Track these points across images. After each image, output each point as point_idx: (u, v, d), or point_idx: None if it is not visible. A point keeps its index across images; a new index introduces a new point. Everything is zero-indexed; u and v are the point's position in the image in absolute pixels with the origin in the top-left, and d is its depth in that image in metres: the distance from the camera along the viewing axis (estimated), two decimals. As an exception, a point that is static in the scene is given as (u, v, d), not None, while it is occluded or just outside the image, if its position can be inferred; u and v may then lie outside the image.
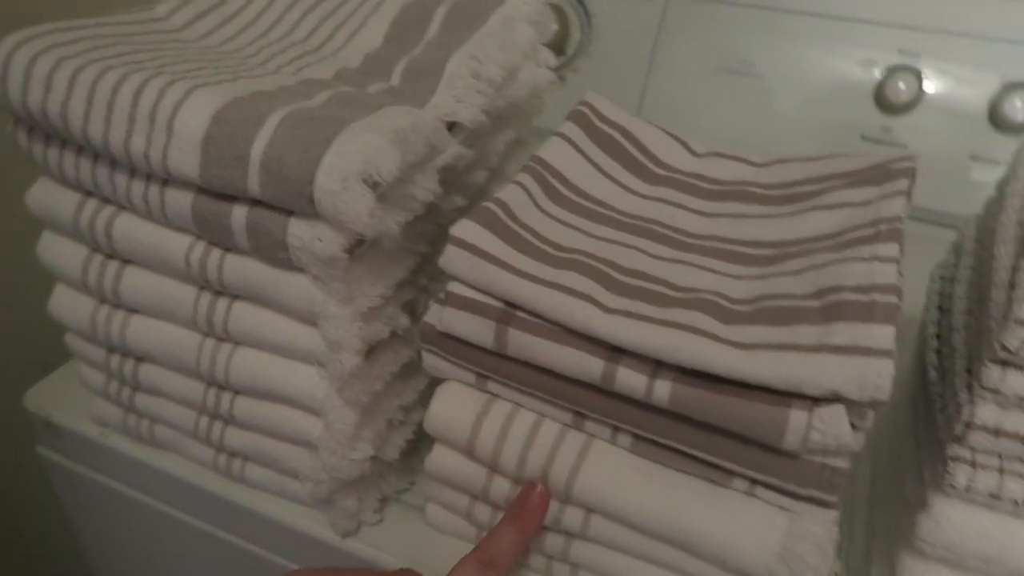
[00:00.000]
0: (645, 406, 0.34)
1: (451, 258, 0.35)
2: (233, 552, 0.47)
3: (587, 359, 0.33)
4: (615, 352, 0.33)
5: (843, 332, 0.30)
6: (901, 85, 0.71)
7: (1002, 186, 0.38)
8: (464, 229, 0.35)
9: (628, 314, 0.33)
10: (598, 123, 0.44)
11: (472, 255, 0.35)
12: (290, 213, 0.34)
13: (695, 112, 0.77)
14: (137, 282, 0.40)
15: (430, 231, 0.41)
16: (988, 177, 0.70)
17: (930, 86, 0.70)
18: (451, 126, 0.40)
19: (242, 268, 0.37)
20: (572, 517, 0.37)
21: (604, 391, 0.34)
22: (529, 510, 0.37)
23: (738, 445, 0.33)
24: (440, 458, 0.39)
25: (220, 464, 0.45)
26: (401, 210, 0.36)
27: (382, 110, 0.36)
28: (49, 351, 0.61)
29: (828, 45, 0.75)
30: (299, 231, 0.34)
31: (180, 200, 0.36)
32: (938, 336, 0.38)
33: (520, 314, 0.35)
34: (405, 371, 0.42)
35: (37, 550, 0.66)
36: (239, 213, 0.35)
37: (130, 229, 0.39)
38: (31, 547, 0.65)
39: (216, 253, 0.37)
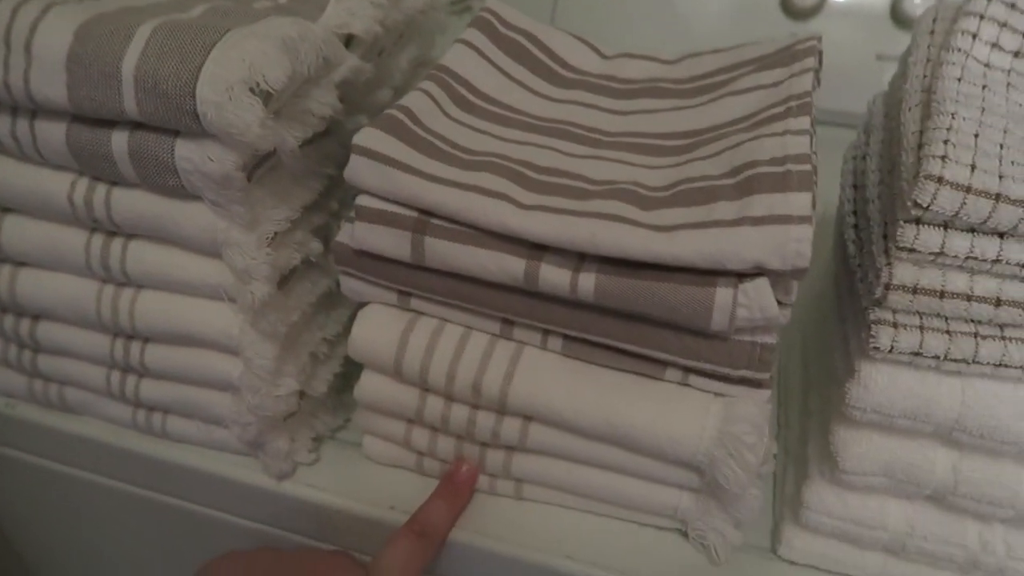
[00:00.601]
0: (572, 304, 0.33)
1: (356, 168, 0.33)
2: (167, 512, 0.45)
3: (508, 260, 0.32)
4: (536, 250, 0.32)
5: (760, 203, 0.30)
6: (806, -11, 0.71)
7: (904, 58, 0.38)
8: (367, 137, 0.33)
9: (545, 208, 0.32)
10: (502, 29, 0.42)
11: (378, 163, 0.33)
12: (175, 133, 0.32)
13: (604, 27, 0.76)
14: (19, 231, 0.37)
15: (335, 152, 0.39)
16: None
17: (834, -11, 0.71)
18: (348, 41, 0.38)
19: (132, 202, 0.34)
20: (509, 429, 0.37)
21: (529, 293, 0.33)
22: (457, 485, 0.38)
23: (667, 334, 0.33)
24: (369, 384, 0.38)
25: (139, 421, 0.42)
26: (299, 124, 0.34)
27: (266, 19, 0.33)
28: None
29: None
30: (187, 152, 0.32)
31: (52, 132, 0.33)
32: (854, 212, 0.38)
33: (435, 221, 0.33)
34: (326, 302, 0.40)
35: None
36: (119, 139, 0.32)
37: (3, 173, 0.36)
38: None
39: (102, 189, 0.34)
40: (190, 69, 0.30)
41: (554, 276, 0.32)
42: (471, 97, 0.39)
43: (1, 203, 0.37)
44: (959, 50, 0.34)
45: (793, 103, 0.35)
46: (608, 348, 0.34)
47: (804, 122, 0.33)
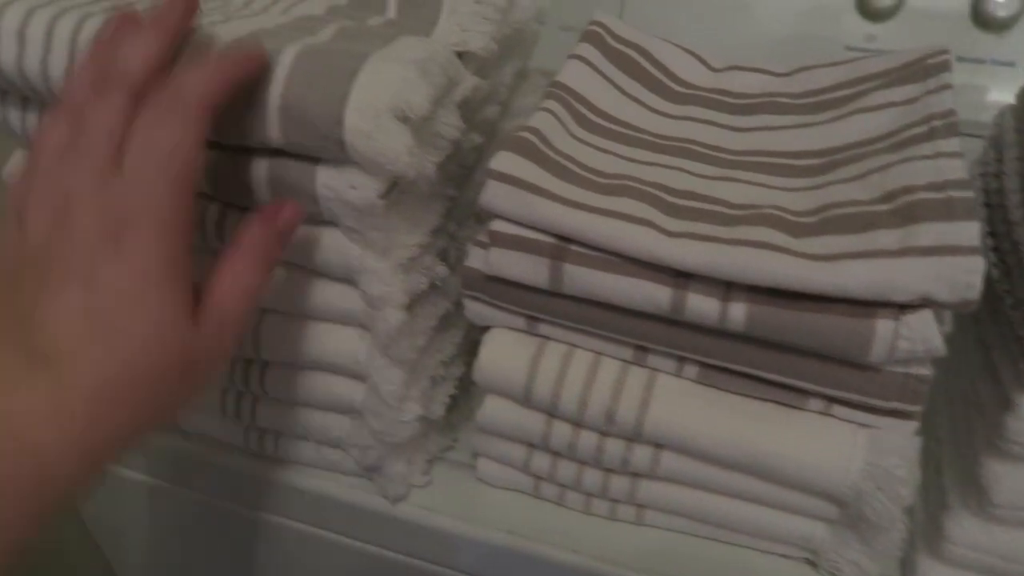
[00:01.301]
0: (714, 332, 0.32)
1: (494, 194, 0.33)
2: (273, 532, 0.45)
3: (653, 288, 0.31)
4: (681, 277, 0.31)
5: (926, 232, 0.29)
6: (883, -10, 0.70)
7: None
8: (503, 161, 0.33)
9: (692, 236, 0.31)
10: (613, 42, 0.42)
11: (516, 188, 0.32)
12: (317, 160, 0.31)
13: (673, 27, 0.75)
14: None
15: (454, 172, 0.39)
16: (975, 77, 0.70)
17: (912, -11, 0.69)
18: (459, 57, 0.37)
19: None
20: (640, 456, 0.36)
21: (669, 320, 0.33)
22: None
23: (815, 363, 0.32)
24: (494, 410, 0.37)
25: (251, 441, 0.42)
26: (432, 149, 0.33)
27: (397, 40, 0.33)
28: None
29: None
30: (329, 180, 0.31)
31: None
32: (992, 234, 0.37)
33: (574, 247, 0.32)
34: (442, 324, 0.40)
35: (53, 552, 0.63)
36: (259, 166, 0.32)
37: None
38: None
39: (234, 215, 0.34)
40: (338, 96, 0.29)
41: (702, 305, 0.31)
42: (590, 115, 0.38)
43: None
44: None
45: (937, 123, 0.34)
46: (747, 376, 0.34)
47: (954, 144, 0.32)
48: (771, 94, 0.41)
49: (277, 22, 0.35)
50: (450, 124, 0.35)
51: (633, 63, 0.41)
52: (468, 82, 0.36)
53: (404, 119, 0.30)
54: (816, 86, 0.41)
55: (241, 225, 0.31)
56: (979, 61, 0.69)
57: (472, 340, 0.44)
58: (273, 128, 0.30)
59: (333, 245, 0.33)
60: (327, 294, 0.35)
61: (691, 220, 0.32)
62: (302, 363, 0.37)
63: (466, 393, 0.43)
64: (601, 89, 0.40)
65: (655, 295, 0.31)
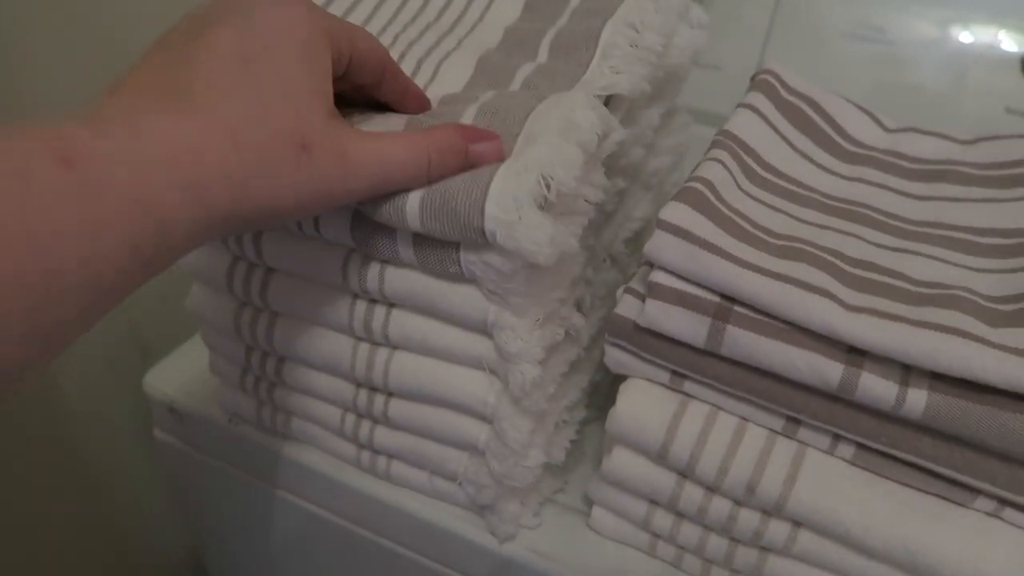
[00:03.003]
0: (882, 415, 0.30)
1: (661, 245, 0.31)
2: (373, 552, 0.45)
3: (823, 362, 0.29)
4: (855, 355, 0.29)
5: None
6: (1053, 47, 0.65)
7: None
8: (674, 212, 0.31)
9: (874, 312, 0.29)
10: (784, 94, 0.40)
11: (686, 242, 0.31)
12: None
13: (818, 83, 0.72)
14: (286, 290, 0.37)
15: (594, 219, 0.37)
16: None
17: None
18: (606, 102, 0.36)
19: (405, 280, 0.34)
20: (776, 532, 0.34)
21: (832, 396, 0.31)
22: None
23: (993, 461, 0.29)
24: (622, 462, 0.36)
25: (363, 461, 0.42)
26: (576, 218, 0.32)
27: (539, 111, 0.32)
28: (147, 328, 0.59)
29: (967, 10, 0.69)
30: (473, 257, 0.31)
31: (338, 223, 0.33)
32: None
33: (739, 309, 0.31)
34: (570, 369, 0.39)
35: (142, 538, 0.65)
36: (404, 237, 0.32)
37: (277, 242, 0.36)
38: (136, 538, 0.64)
39: (376, 266, 0.34)
40: (480, 186, 0.29)
41: (877, 387, 0.29)
42: (759, 169, 0.37)
43: (274, 266, 0.37)
44: None
45: None
46: (910, 465, 0.31)
47: None
48: (952, 162, 0.39)
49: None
50: (595, 186, 0.34)
51: (804, 117, 0.39)
52: (616, 135, 0.35)
53: (546, 203, 0.29)
54: (1004, 158, 0.38)
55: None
56: None
57: (592, 382, 0.43)
58: (414, 220, 0.30)
59: (470, 301, 0.33)
60: (461, 340, 0.34)
61: (871, 294, 0.30)
62: (428, 399, 0.37)
63: (580, 434, 0.42)
64: (770, 141, 0.38)
65: (825, 370, 0.29)
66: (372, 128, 0.32)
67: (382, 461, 0.41)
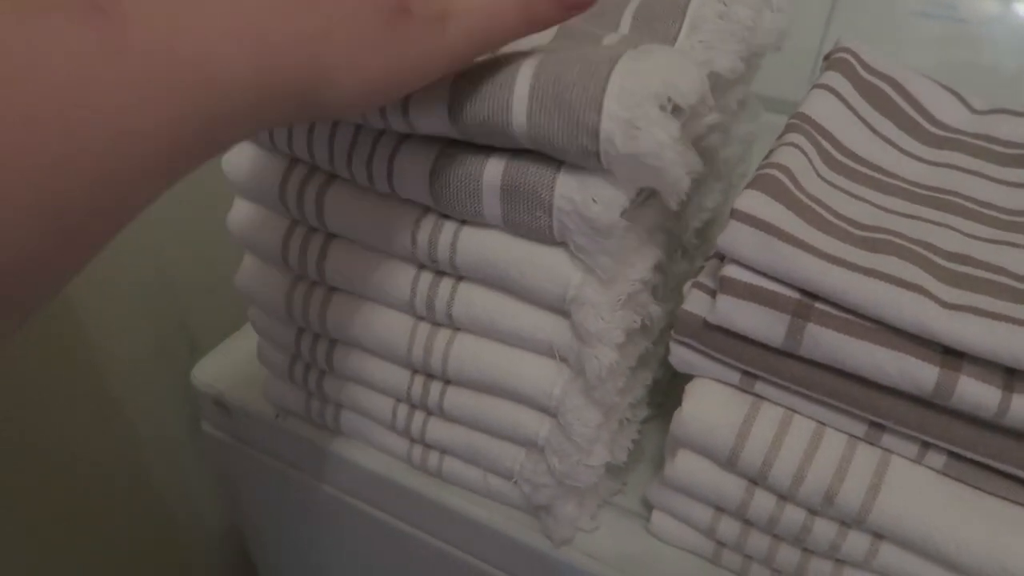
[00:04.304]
0: (980, 422, 0.27)
1: (736, 236, 0.29)
2: (422, 551, 0.44)
3: (917, 365, 0.27)
4: (952, 357, 0.27)
5: None
6: None
7: None
8: (751, 201, 0.29)
9: (975, 311, 0.27)
10: (864, 73, 0.37)
11: (764, 233, 0.29)
12: (558, 166, 0.28)
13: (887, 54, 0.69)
14: (345, 258, 0.35)
15: (668, 208, 0.35)
16: None
17: None
18: None
19: (480, 244, 0.31)
20: (855, 544, 0.31)
21: (923, 401, 0.28)
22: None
23: (1107, 476, 0.26)
24: (688, 466, 0.34)
25: (415, 456, 0.40)
26: (691, 153, 0.29)
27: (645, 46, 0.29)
28: (196, 321, 0.59)
29: (1048, -17, 0.65)
30: (570, 191, 0.28)
31: (415, 167, 0.30)
32: None
33: (821, 306, 0.28)
34: (638, 364, 0.37)
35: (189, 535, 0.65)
36: (493, 171, 0.29)
37: (343, 203, 0.34)
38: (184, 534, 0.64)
39: (450, 228, 0.32)
40: (597, 79, 0.26)
41: (977, 392, 0.26)
42: (838, 155, 0.34)
43: (335, 230, 0.35)
44: None
45: None
46: (1011, 477, 0.29)
47: None
48: (1048, 145, 0.36)
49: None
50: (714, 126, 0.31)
51: (885, 98, 0.37)
52: (711, 117, 0.33)
53: (671, 109, 0.26)
54: (1106, 140, 0.35)
55: None
56: None
57: (653, 379, 0.41)
58: (520, 113, 0.27)
59: (554, 269, 0.30)
60: (532, 320, 0.32)
61: (970, 291, 0.28)
62: (489, 388, 0.35)
63: (644, 437, 0.40)
64: (848, 124, 0.35)
65: (918, 373, 0.27)
66: None
67: (434, 457, 0.40)
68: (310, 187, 0.34)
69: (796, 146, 0.32)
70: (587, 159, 0.27)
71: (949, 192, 0.33)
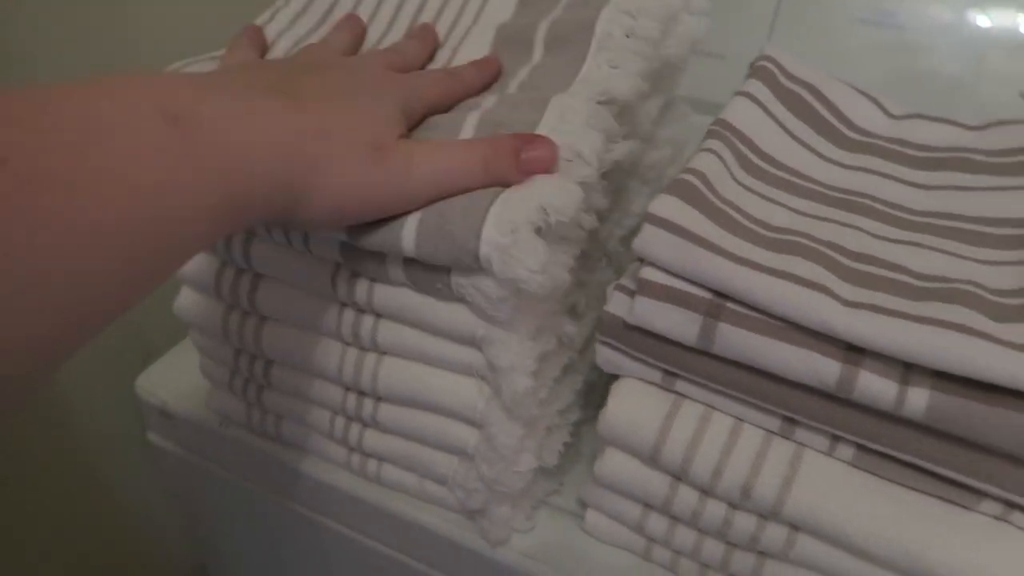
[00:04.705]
0: (883, 415, 0.29)
1: (650, 240, 0.30)
2: (364, 555, 0.44)
3: (821, 361, 0.28)
4: (853, 352, 0.28)
5: None
6: (1068, 34, 0.63)
7: None
8: (664, 206, 0.30)
9: (874, 308, 0.28)
10: (784, 80, 0.38)
11: (676, 236, 0.30)
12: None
13: (832, 68, 0.70)
14: (274, 296, 0.37)
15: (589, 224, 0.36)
16: None
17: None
18: None
19: (394, 296, 0.33)
20: (773, 537, 0.32)
21: (829, 396, 0.29)
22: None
23: (1001, 463, 0.28)
24: (614, 464, 0.35)
25: (354, 463, 0.41)
26: (568, 244, 0.31)
27: (540, 128, 0.31)
28: (153, 331, 0.59)
29: (979, -8, 0.67)
30: (463, 280, 0.30)
31: (328, 243, 0.33)
32: None
33: (732, 306, 0.29)
34: (563, 373, 0.37)
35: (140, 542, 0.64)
36: (394, 262, 0.31)
37: (266, 254, 0.36)
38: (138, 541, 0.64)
39: (364, 281, 0.33)
40: (478, 210, 0.28)
41: (876, 386, 0.27)
42: (755, 159, 0.35)
43: (263, 272, 0.36)
44: None
45: None
46: (912, 467, 0.30)
47: None
48: (960, 149, 0.37)
49: None
50: (591, 210, 0.33)
51: (804, 104, 0.38)
52: (618, 151, 0.34)
53: (543, 230, 0.28)
54: (1015, 144, 0.36)
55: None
56: None
57: (590, 383, 0.42)
58: (409, 243, 0.29)
59: (460, 317, 0.32)
60: (449, 349, 0.33)
61: (870, 288, 0.29)
62: (417, 404, 0.36)
63: (575, 435, 0.41)
64: (767, 130, 0.36)
65: (822, 369, 0.28)
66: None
67: (372, 464, 0.40)
68: (236, 237, 0.36)
69: (713, 152, 0.33)
70: (475, 269, 0.29)
71: (861, 194, 0.35)
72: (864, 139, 0.38)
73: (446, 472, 0.37)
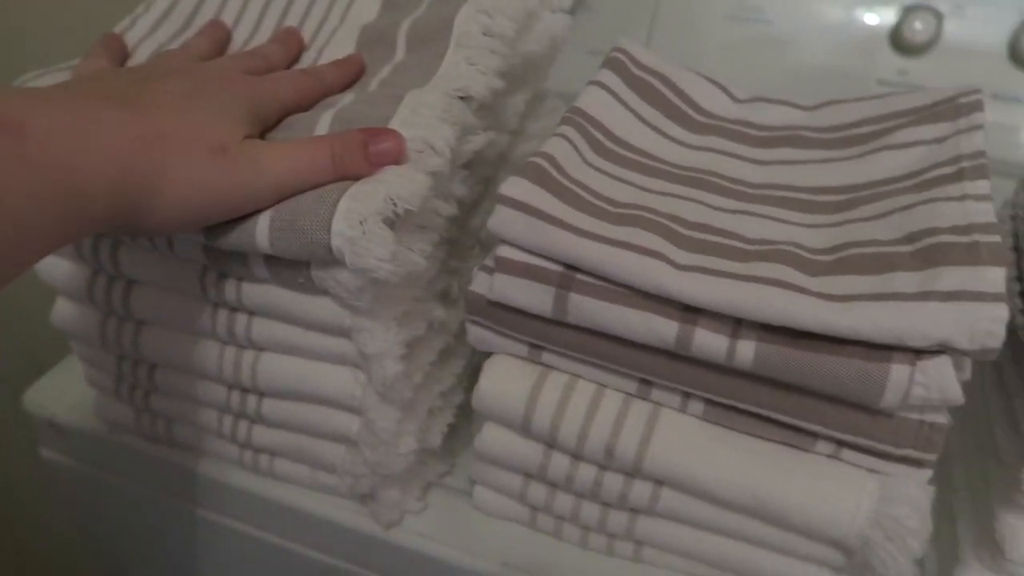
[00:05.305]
0: (721, 369, 0.31)
1: (503, 220, 0.32)
2: (265, 550, 0.44)
3: (660, 322, 0.30)
4: (690, 312, 0.30)
5: (948, 277, 0.28)
6: (918, 25, 0.68)
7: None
8: (514, 187, 0.32)
9: (704, 270, 0.30)
10: (635, 70, 0.41)
11: (526, 215, 0.32)
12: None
13: (703, 62, 0.74)
14: (147, 300, 0.37)
15: (457, 215, 0.38)
16: (1011, 116, 0.68)
17: (948, 25, 0.68)
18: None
19: (262, 293, 0.34)
20: (639, 493, 0.35)
21: (675, 355, 0.32)
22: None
23: (825, 405, 0.30)
24: (491, 437, 0.37)
25: (246, 459, 0.41)
26: (425, 232, 0.33)
27: (393, 124, 0.33)
28: (43, 346, 0.58)
29: (840, -12, 0.72)
30: (322, 273, 0.31)
31: (191, 244, 0.33)
32: (1018, 278, 0.35)
33: (581, 277, 0.32)
34: (442, 355, 0.39)
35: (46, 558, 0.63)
36: (256, 259, 0.32)
37: (137, 259, 0.36)
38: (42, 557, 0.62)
39: (232, 281, 0.34)
40: (328, 204, 0.29)
41: (709, 341, 0.30)
42: (608, 143, 0.38)
43: (133, 278, 0.37)
44: None
45: (966, 164, 0.33)
46: (753, 415, 0.32)
47: (983, 186, 0.31)
48: (795, 127, 0.40)
49: None
50: (451, 198, 0.35)
51: (655, 92, 0.41)
52: (476, 142, 0.36)
53: (394, 221, 0.30)
54: (842, 121, 0.40)
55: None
56: (1015, 100, 0.67)
57: (476, 366, 0.44)
58: (263, 240, 0.30)
59: (327, 309, 0.33)
60: (321, 340, 0.35)
61: (703, 253, 0.31)
62: (298, 397, 0.37)
63: (467, 419, 0.43)
64: (620, 117, 0.39)
65: (661, 329, 0.30)
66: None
67: (264, 459, 0.41)
68: (103, 244, 0.36)
69: (564, 136, 0.36)
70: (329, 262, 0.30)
71: (705, 172, 0.37)
72: (711, 122, 0.41)
73: (334, 460, 0.39)
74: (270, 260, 0.32)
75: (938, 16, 0.67)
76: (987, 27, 0.68)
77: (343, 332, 0.34)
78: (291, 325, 0.35)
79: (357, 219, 0.29)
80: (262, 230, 0.30)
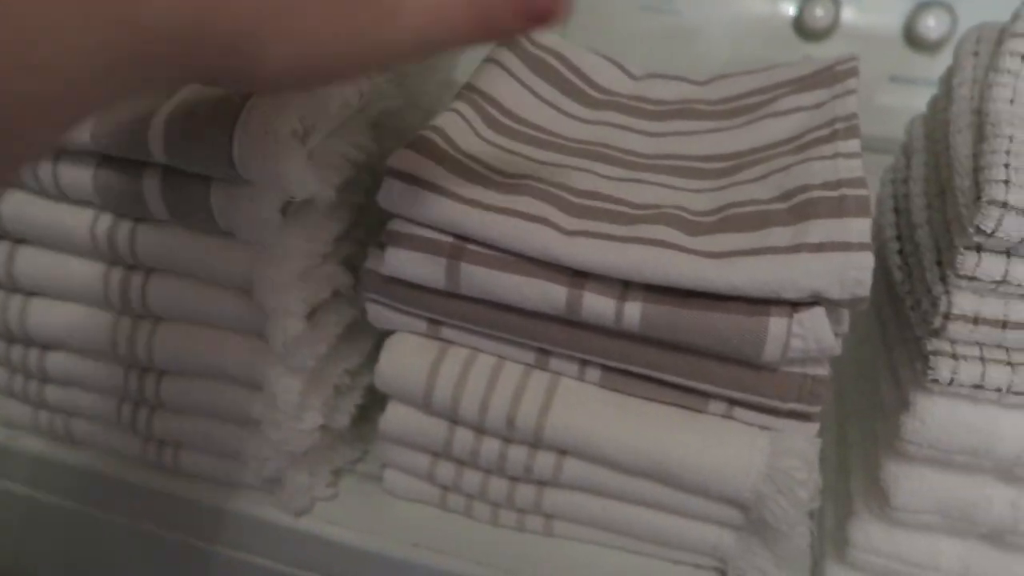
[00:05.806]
0: (613, 333, 0.32)
1: (390, 192, 0.32)
2: (176, 550, 0.43)
3: (549, 287, 0.31)
4: (578, 277, 0.31)
5: (817, 229, 0.29)
6: (819, 12, 0.71)
7: (947, 80, 0.37)
8: (401, 159, 0.32)
9: (588, 234, 0.31)
10: (532, 48, 0.41)
11: (413, 186, 0.32)
12: (209, 179, 0.30)
13: (617, 51, 0.76)
14: (33, 262, 0.35)
15: (364, 180, 0.38)
16: (909, 98, 0.71)
17: (846, 11, 0.70)
18: None
19: (159, 238, 0.33)
20: (543, 463, 0.35)
21: (568, 322, 0.32)
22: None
23: (714, 364, 0.31)
24: (395, 416, 0.36)
25: (150, 454, 0.40)
26: (334, 170, 0.33)
27: None
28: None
29: (746, -22, 0.74)
30: (223, 198, 0.30)
31: (78, 175, 0.32)
32: (898, 237, 0.37)
33: (472, 247, 0.32)
34: (349, 333, 0.39)
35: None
36: (151, 184, 0.31)
37: (19, 207, 0.34)
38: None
39: (126, 225, 0.33)
40: (230, 112, 0.28)
41: (598, 305, 0.30)
42: (502, 118, 0.38)
43: (16, 235, 0.35)
44: (1009, 71, 0.33)
45: (840, 125, 0.34)
46: (649, 379, 0.33)
47: (854, 145, 0.32)
48: (688, 100, 0.41)
49: None
50: (359, 145, 0.34)
51: (550, 68, 0.41)
52: (386, 101, 0.36)
53: (302, 138, 0.29)
54: (732, 93, 0.41)
55: None
56: (911, 81, 0.70)
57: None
58: (158, 146, 0.29)
59: (229, 255, 0.32)
60: (221, 301, 0.34)
61: (590, 219, 0.32)
62: (196, 372, 0.36)
63: (379, 404, 0.42)
64: (514, 92, 0.39)
65: (551, 294, 0.31)
66: None
67: (168, 452, 0.40)
68: None
69: (457, 111, 0.36)
70: (231, 176, 0.29)
71: (599, 144, 0.38)
72: (607, 98, 0.42)
73: (238, 446, 0.38)
74: (167, 193, 0.31)
75: (836, 3, 0.70)
76: (883, 13, 0.71)
77: (244, 286, 0.33)
78: (189, 281, 0.34)
79: (263, 130, 0.27)
80: (156, 131, 0.28)
